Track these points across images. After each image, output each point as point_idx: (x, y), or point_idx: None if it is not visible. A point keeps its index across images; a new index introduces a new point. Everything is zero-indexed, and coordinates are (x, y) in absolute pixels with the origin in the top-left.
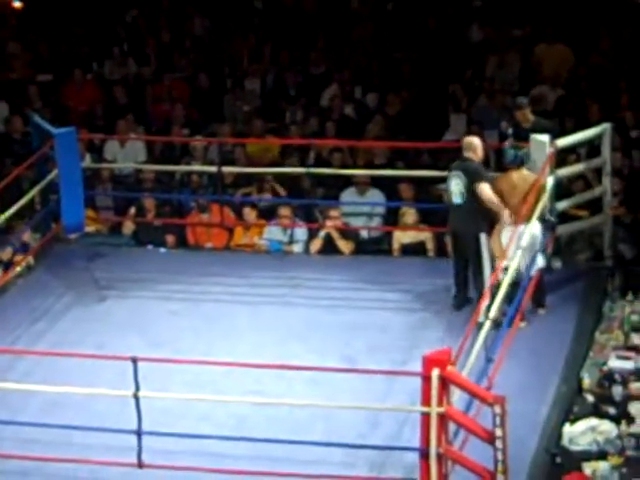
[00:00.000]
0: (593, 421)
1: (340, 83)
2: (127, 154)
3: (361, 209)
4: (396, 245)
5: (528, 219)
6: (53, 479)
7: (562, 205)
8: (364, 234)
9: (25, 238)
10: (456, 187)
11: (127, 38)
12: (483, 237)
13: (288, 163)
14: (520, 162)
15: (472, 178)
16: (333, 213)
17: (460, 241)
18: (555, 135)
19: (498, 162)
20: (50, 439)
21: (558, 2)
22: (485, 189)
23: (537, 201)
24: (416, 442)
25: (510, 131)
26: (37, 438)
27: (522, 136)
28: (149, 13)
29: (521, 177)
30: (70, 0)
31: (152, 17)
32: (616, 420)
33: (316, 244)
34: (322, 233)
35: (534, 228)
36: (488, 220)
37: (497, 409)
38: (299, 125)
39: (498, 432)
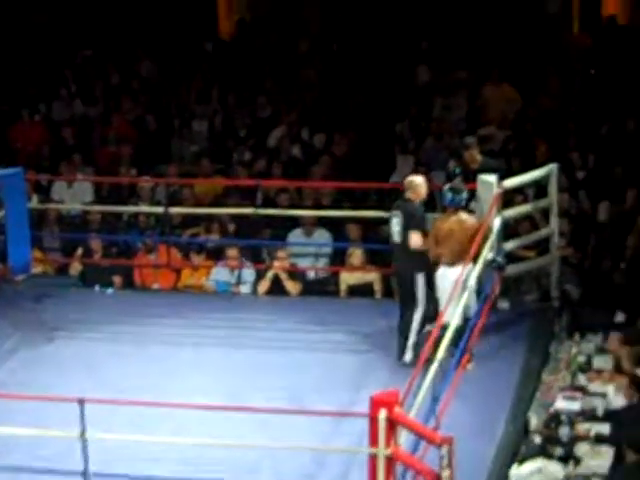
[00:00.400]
0: (540, 462)
1: (287, 124)
2: (74, 195)
3: (308, 250)
4: (343, 286)
5: (472, 262)
6: None
7: (509, 245)
8: (311, 275)
9: None
10: (395, 227)
11: (75, 79)
12: (419, 277)
13: (231, 203)
14: (458, 205)
15: (407, 221)
16: (280, 254)
17: (400, 281)
18: (502, 175)
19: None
20: None
21: (504, 44)
22: (414, 237)
23: (481, 244)
24: None
25: (457, 171)
26: None
27: (470, 177)
28: (98, 55)
29: (458, 221)
30: (16, 41)
31: (100, 59)
32: (563, 461)
33: (264, 285)
34: (269, 274)
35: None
36: (425, 261)
37: (444, 450)
38: (247, 166)
39: (445, 473)
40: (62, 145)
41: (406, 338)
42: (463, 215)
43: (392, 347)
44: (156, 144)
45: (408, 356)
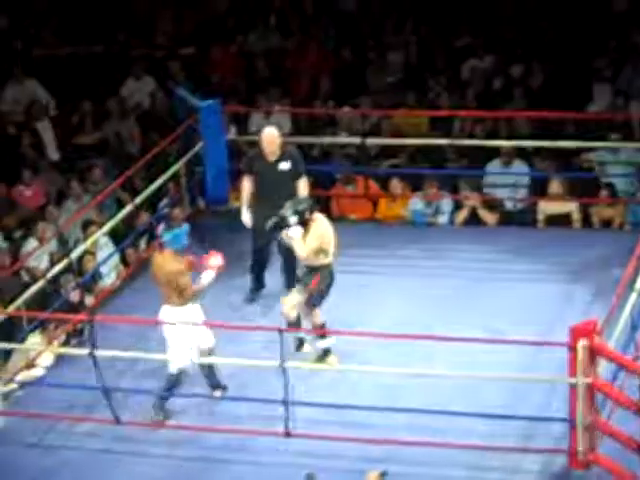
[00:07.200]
0: None
1: (483, 55)
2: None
3: (506, 180)
4: (541, 216)
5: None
6: (205, 449)
7: None
8: (509, 205)
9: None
10: None
11: (273, 10)
12: None
13: (436, 136)
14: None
15: None
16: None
17: None
18: None
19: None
20: (201, 410)
21: None
22: None
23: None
24: (563, 413)
25: None
26: (189, 409)
27: None
28: None
29: (162, 261)
30: None
31: None
32: None
33: (461, 215)
34: (467, 204)
35: None
36: None
37: None
38: (443, 97)
39: None
40: (257, 77)
41: None
42: (168, 256)
43: (591, 277)
44: (352, 75)
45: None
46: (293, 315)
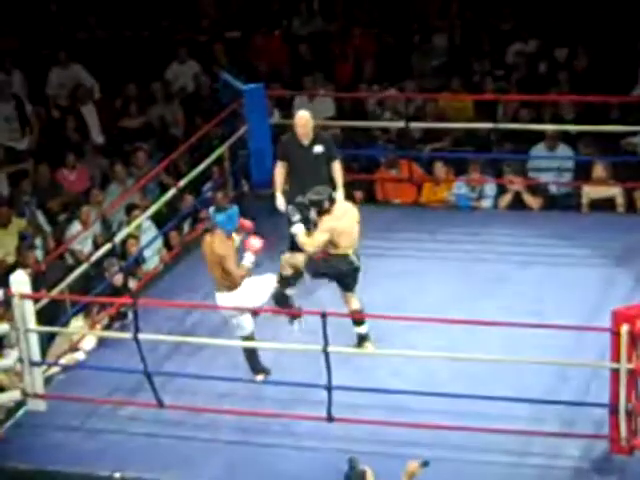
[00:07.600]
0: None
1: (528, 38)
2: (315, 110)
3: (551, 164)
4: (585, 200)
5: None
6: (244, 432)
7: None
8: (554, 189)
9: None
10: None
11: None
12: None
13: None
14: (218, 226)
15: None
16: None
17: None
18: None
19: None
20: (243, 393)
21: None
22: None
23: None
24: (605, 398)
25: None
26: (229, 392)
27: None
28: None
29: (211, 243)
30: None
31: None
32: None
33: (505, 199)
34: (511, 188)
35: None
36: None
37: None
38: (488, 81)
39: None
40: (301, 61)
41: None
42: (218, 238)
43: (634, 262)
44: (396, 59)
45: None
46: (287, 272)
